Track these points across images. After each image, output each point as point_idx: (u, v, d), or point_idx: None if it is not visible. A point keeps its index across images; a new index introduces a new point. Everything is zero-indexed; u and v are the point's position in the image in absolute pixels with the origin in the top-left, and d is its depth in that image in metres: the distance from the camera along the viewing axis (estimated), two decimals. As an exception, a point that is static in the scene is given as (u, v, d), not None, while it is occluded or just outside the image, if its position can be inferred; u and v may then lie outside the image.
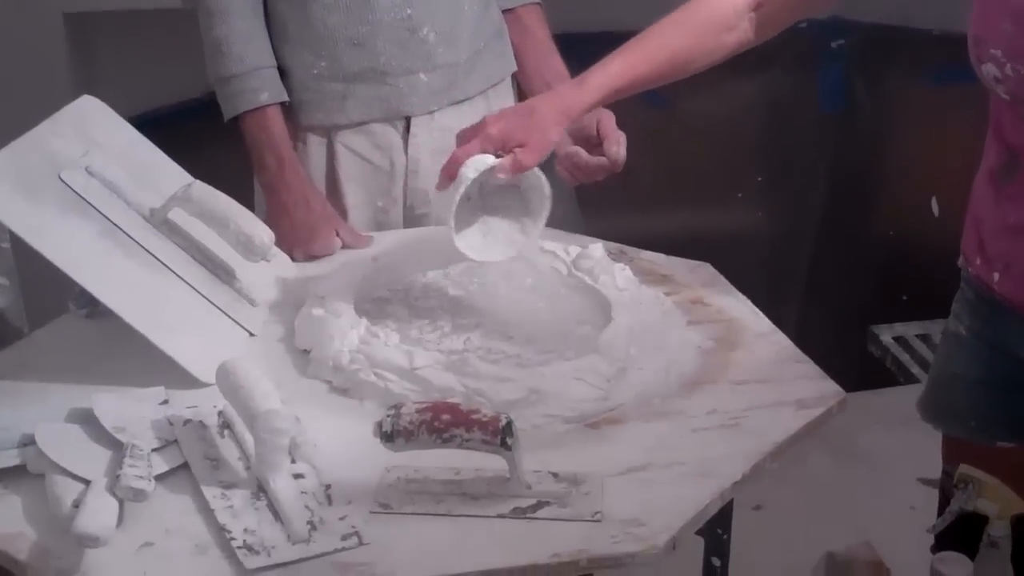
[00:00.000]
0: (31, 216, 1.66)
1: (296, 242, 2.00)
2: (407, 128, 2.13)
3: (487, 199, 1.73)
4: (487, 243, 1.73)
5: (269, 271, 1.86)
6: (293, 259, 1.96)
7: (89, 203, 1.73)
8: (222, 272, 1.79)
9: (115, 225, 1.73)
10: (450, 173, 1.68)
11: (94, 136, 1.81)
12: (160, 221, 1.77)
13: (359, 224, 2.14)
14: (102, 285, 1.66)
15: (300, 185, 2.04)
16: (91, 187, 1.75)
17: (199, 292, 1.75)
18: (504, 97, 2.25)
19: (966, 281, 1.81)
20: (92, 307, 1.76)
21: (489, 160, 1.67)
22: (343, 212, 2.13)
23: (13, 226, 1.65)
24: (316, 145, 2.13)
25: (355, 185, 2.14)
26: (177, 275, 1.75)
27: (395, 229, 2.15)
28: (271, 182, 2.04)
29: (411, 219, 2.18)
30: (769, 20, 1.77)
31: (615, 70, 1.74)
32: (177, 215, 1.77)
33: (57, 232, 1.67)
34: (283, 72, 2.08)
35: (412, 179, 2.15)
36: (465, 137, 1.72)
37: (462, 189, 1.65)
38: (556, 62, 2.22)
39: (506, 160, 1.67)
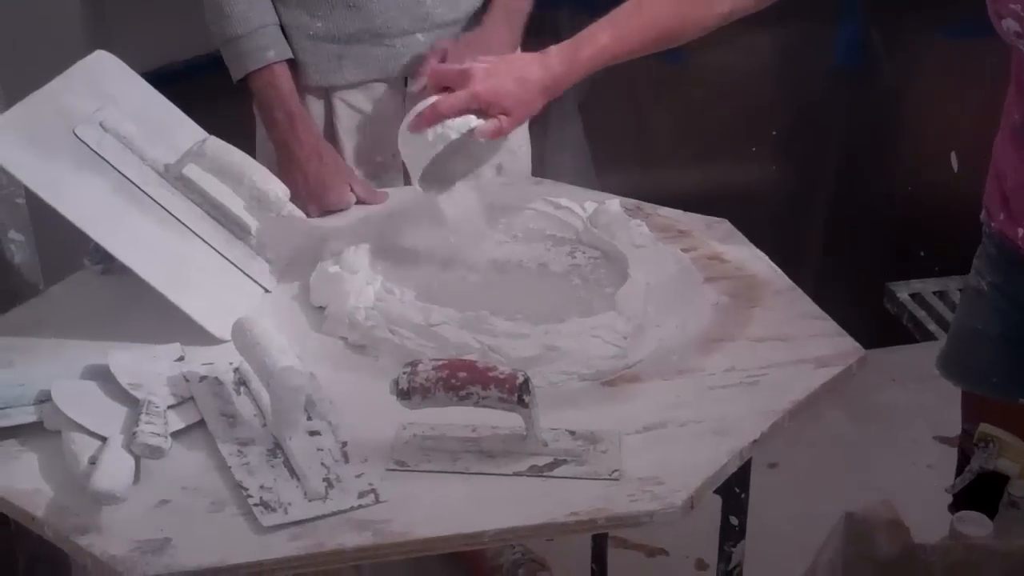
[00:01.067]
0: (46, 172, 1.66)
1: (310, 197, 1.99)
2: (405, 85, 2.13)
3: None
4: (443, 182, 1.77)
5: (284, 227, 1.85)
6: (308, 215, 1.95)
7: (103, 159, 1.72)
8: (237, 228, 1.79)
9: (129, 181, 1.73)
10: (430, 121, 1.68)
11: (108, 91, 1.81)
12: (174, 177, 1.77)
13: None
14: (117, 241, 1.66)
15: (312, 140, 2.03)
16: (105, 142, 1.74)
17: (214, 248, 1.74)
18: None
19: (988, 236, 1.80)
20: (107, 263, 1.76)
21: (472, 122, 1.69)
22: None
23: (28, 182, 1.64)
24: (314, 103, 2.13)
25: (353, 140, 2.14)
26: (192, 231, 1.74)
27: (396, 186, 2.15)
28: (283, 138, 2.03)
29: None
30: None
31: (604, 43, 1.73)
32: (191, 171, 1.76)
33: (72, 188, 1.66)
34: (285, 33, 2.07)
35: None
36: (445, 77, 1.73)
37: (440, 147, 1.68)
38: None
39: (488, 125, 1.69)
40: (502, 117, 1.70)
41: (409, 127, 1.72)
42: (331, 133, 2.14)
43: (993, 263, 1.79)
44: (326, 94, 2.12)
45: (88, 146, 1.72)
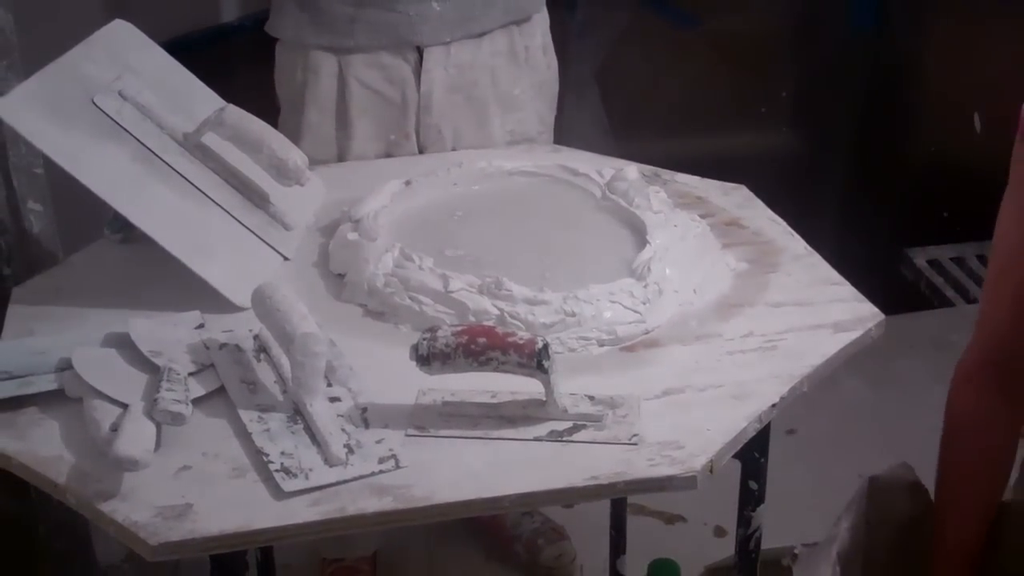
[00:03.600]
0: (65, 141, 1.66)
1: None
2: (420, 61, 2.11)
3: None
4: None
5: (302, 195, 1.85)
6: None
7: (123, 127, 1.72)
8: (256, 196, 1.79)
9: (148, 149, 1.73)
10: None
11: (127, 60, 1.81)
12: (193, 145, 1.77)
13: (371, 157, 2.14)
14: (137, 210, 1.66)
15: None
16: (124, 111, 1.74)
17: (233, 216, 1.75)
18: (531, 36, 2.22)
19: None
20: (127, 232, 1.76)
21: None
22: (352, 142, 2.14)
23: (48, 151, 1.64)
24: (327, 76, 2.13)
25: (366, 118, 2.13)
26: (211, 199, 1.74)
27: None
28: None
29: None
30: None
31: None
32: (210, 139, 1.77)
33: (92, 157, 1.67)
34: None
35: (424, 115, 2.14)
36: None
37: None
38: None
39: None
40: None
41: None
42: (343, 111, 2.14)
43: None
44: (339, 63, 2.11)
45: (107, 115, 1.72)
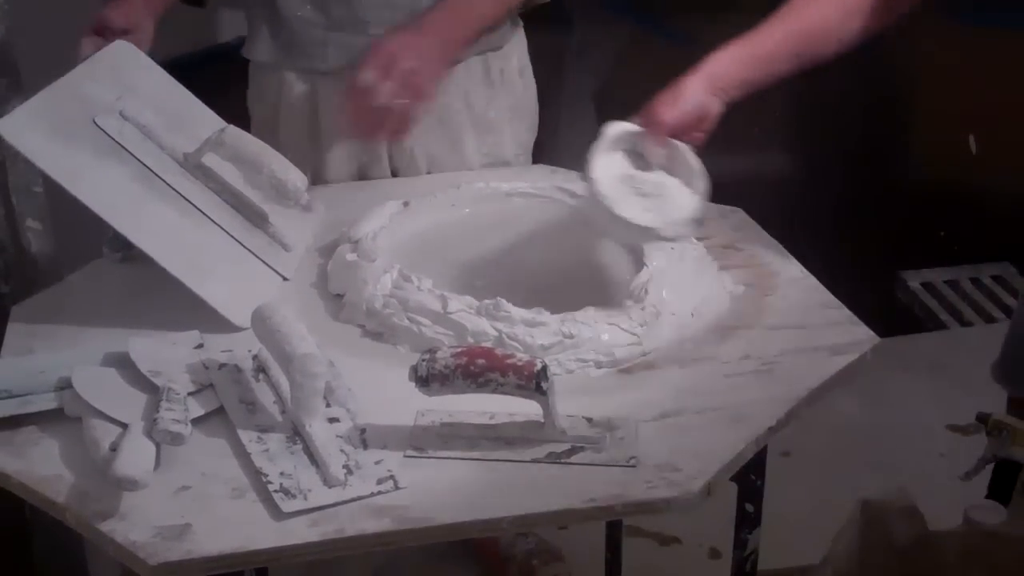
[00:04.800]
0: (67, 160, 1.66)
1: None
2: None
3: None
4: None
5: (302, 216, 1.86)
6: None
7: (123, 147, 1.73)
8: (255, 216, 1.79)
9: (149, 169, 1.73)
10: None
11: (128, 81, 1.82)
12: (194, 165, 1.77)
13: (344, 178, 2.14)
14: (137, 230, 1.67)
15: None
16: (125, 131, 1.75)
17: (233, 237, 1.75)
18: (507, 59, 2.20)
19: None
20: (126, 251, 1.77)
21: (632, 126, 1.69)
22: (325, 164, 2.14)
23: (49, 170, 1.65)
24: (300, 98, 2.13)
25: (338, 139, 2.13)
26: (211, 220, 1.74)
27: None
28: None
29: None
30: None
31: (746, 35, 1.72)
32: (210, 159, 1.77)
33: (92, 177, 1.67)
34: (275, 14, 2.08)
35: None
36: None
37: (602, 144, 1.67)
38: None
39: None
40: (654, 105, 1.69)
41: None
42: (316, 133, 2.14)
43: None
44: (311, 82, 2.11)
45: (108, 135, 1.72)
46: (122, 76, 1.82)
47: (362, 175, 2.17)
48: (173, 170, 1.76)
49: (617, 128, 1.70)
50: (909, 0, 1.73)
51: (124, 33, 1.91)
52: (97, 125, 1.72)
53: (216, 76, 2.23)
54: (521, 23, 2.23)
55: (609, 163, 1.69)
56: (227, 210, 1.78)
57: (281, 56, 2.10)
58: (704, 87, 1.70)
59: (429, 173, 2.18)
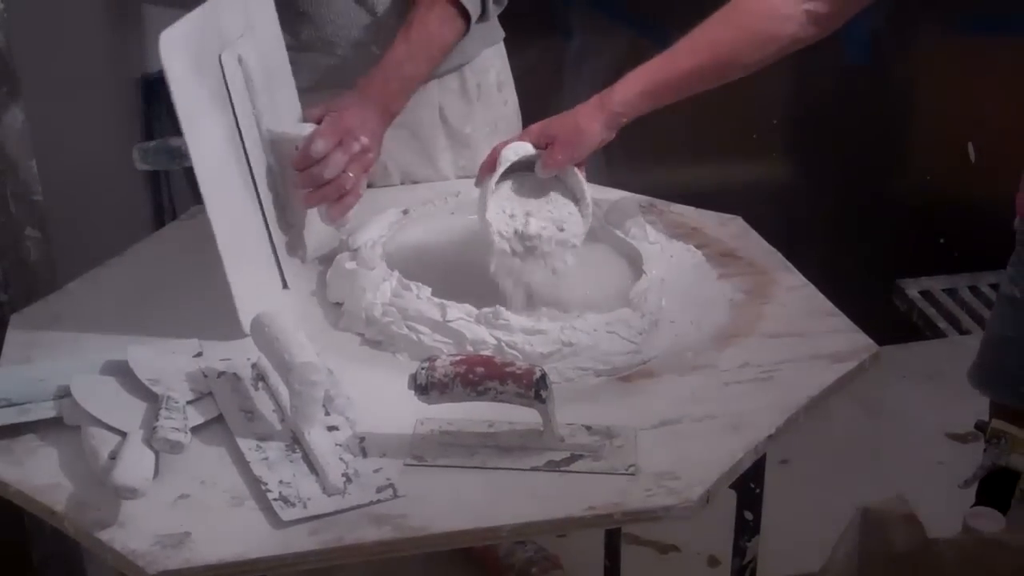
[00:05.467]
0: (193, 98, 1.60)
1: None
2: None
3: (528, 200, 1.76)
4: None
5: (328, 234, 1.84)
6: None
7: (230, 97, 1.68)
8: (290, 215, 1.79)
9: (238, 131, 1.70)
10: (489, 165, 1.71)
11: (252, 19, 1.77)
12: (268, 140, 1.76)
13: None
14: (217, 199, 1.62)
15: None
16: (236, 79, 1.70)
17: (267, 228, 1.74)
18: (484, 73, 2.19)
19: (1022, 243, 1.79)
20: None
21: (528, 148, 1.72)
22: None
23: (179, 103, 1.56)
24: None
25: None
26: (260, 204, 1.72)
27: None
28: None
29: None
30: (831, 8, 1.71)
31: (653, 66, 1.73)
32: (282, 143, 1.76)
33: (204, 126, 1.62)
34: None
35: None
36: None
37: (500, 171, 1.70)
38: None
39: (544, 154, 1.71)
40: (552, 147, 1.71)
41: (475, 184, 1.76)
42: None
43: None
44: None
45: (224, 79, 1.67)
46: (249, 11, 1.77)
47: None
48: (253, 137, 1.73)
49: (512, 151, 1.72)
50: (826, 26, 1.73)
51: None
52: (220, 63, 1.67)
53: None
54: (501, 37, 2.22)
55: (500, 198, 1.74)
56: (271, 201, 1.76)
57: None
58: (606, 126, 1.73)
59: (402, 184, 2.17)
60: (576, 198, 1.76)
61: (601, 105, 1.72)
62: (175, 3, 2.04)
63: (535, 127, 1.74)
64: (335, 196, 1.73)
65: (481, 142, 2.18)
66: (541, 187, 1.76)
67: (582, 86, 2.93)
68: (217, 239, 1.61)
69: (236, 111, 1.70)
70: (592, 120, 1.71)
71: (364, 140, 1.74)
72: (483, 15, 1.99)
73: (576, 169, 1.75)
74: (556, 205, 1.75)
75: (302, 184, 1.72)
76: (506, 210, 1.73)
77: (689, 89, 1.74)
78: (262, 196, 1.74)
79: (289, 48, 1.98)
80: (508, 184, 1.75)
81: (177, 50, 1.57)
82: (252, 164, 1.72)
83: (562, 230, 1.71)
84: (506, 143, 1.74)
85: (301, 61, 1.99)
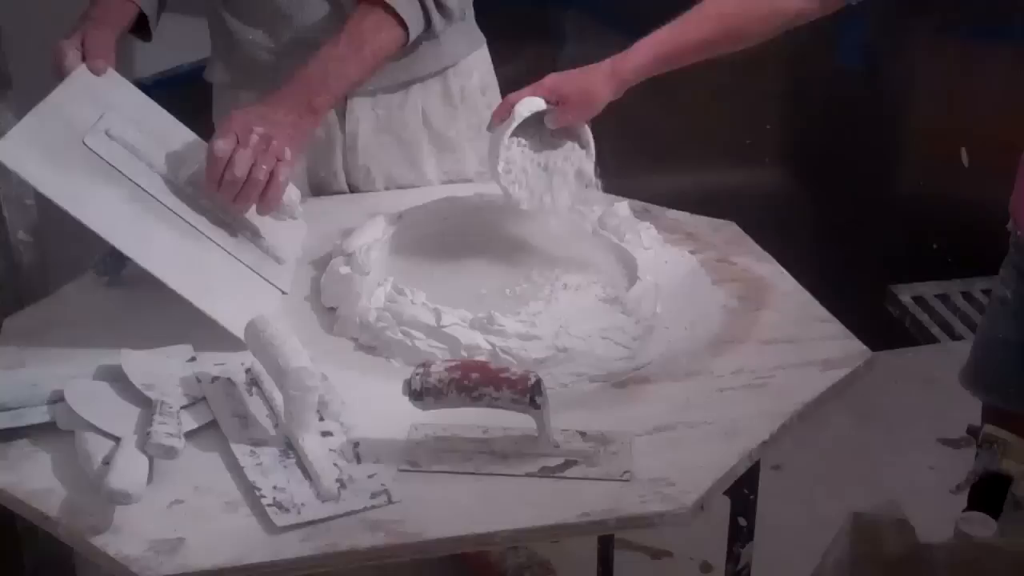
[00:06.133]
0: (65, 183, 1.63)
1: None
2: (346, 101, 2.09)
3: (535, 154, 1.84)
4: (531, 194, 1.82)
5: (288, 228, 1.85)
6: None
7: (115, 168, 1.71)
8: (247, 232, 1.79)
9: (142, 189, 1.72)
10: (501, 114, 1.78)
11: (106, 100, 1.79)
12: (183, 183, 1.76)
13: (303, 191, 2.11)
14: (144, 252, 1.64)
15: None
16: (115, 151, 1.73)
17: (230, 254, 1.74)
18: (467, 77, 2.18)
19: (1015, 246, 1.80)
20: (114, 274, 1.76)
21: (541, 103, 1.78)
22: None
23: (50, 194, 1.61)
24: None
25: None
26: (207, 237, 1.74)
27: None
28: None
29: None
30: None
31: (663, 36, 1.78)
32: (199, 176, 1.76)
33: (91, 199, 1.65)
34: (231, 40, 2.07)
35: (351, 155, 2.13)
36: (520, 94, 1.81)
37: (514, 125, 1.76)
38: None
39: (554, 111, 1.77)
40: (562, 104, 1.78)
41: (487, 128, 1.83)
42: None
43: (1020, 272, 1.79)
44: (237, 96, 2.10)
45: (100, 156, 1.71)
46: (100, 95, 1.80)
47: (320, 191, 2.15)
48: (164, 189, 1.74)
49: (526, 107, 1.78)
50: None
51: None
52: (87, 146, 1.70)
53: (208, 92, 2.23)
54: (483, 42, 2.22)
55: (512, 150, 1.82)
56: (221, 227, 1.76)
57: (238, 79, 2.10)
58: (614, 89, 1.79)
59: (387, 189, 2.17)
60: (582, 144, 1.85)
61: (613, 72, 1.78)
62: (168, 8, 2.05)
63: (548, 82, 1.80)
64: (256, 193, 1.72)
65: (465, 146, 2.19)
66: (546, 135, 1.84)
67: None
68: (171, 286, 1.63)
69: (132, 176, 1.72)
70: (603, 86, 1.78)
71: (259, 130, 1.72)
72: (429, 29, 1.98)
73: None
74: (565, 152, 1.85)
75: (224, 196, 1.72)
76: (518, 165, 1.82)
77: (696, 58, 1.81)
78: (205, 230, 1.75)
79: (272, 52, 2.03)
80: (516, 141, 1.82)
81: (20, 155, 1.63)
82: (178, 210, 1.73)
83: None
84: (519, 93, 1.80)
85: (283, 66, 1.97)
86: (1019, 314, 1.80)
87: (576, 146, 1.85)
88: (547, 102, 1.78)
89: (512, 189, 1.81)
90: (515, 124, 1.77)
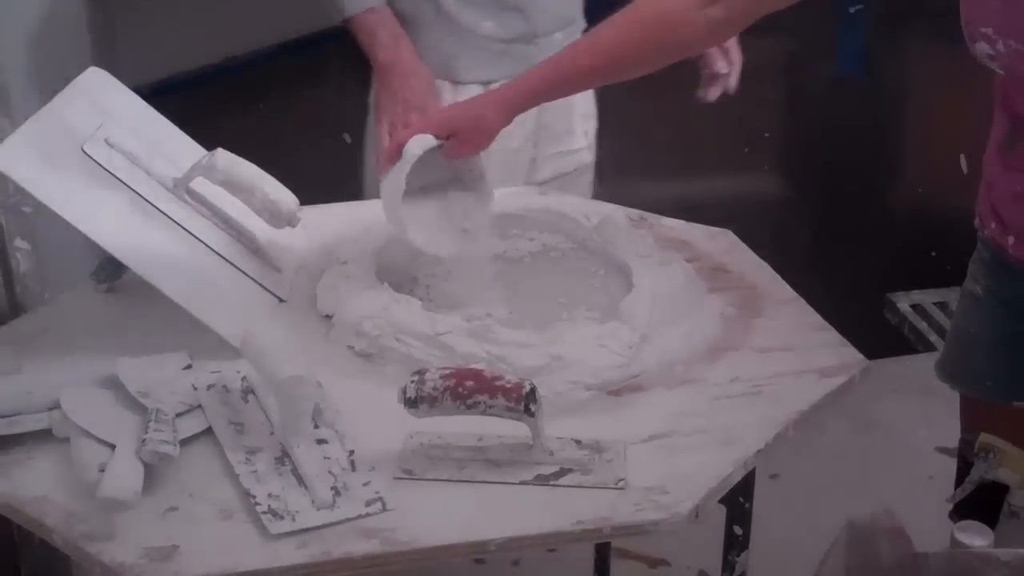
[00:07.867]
0: (63, 191, 1.64)
1: (409, 107, 2.12)
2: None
3: (430, 194, 1.79)
4: (434, 235, 1.76)
5: (286, 236, 1.85)
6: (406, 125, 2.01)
7: (114, 175, 1.71)
8: (247, 239, 1.79)
9: (141, 197, 1.72)
10: (391, 154, 1.73)
11: (106, 107, 1.80)
12: (182, 191, 1.77)
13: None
14: (141, 261, 1.65)
15: (412, 57, 2.19)
16: (114, 159, 1.73)
17: (228, 261, 1.74)
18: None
19: (982, 242, 1.81)
20: (111, 281, 1.77)
21: (432, 140, 1.71)
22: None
23: (48, 202, 1.62)
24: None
25: None
26: (206, 245, 1.74)
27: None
28: (387, 57, 2.18)
29: None
30: (728, 15, 1.70)
31: (555, 61, 1.77)
32: (199, 184, 1.76)
33: (89, 207, 1.65)
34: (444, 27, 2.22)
35: None
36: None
37: (408, 167, 1.68)
38: None
39: (447, 144, 1.73)
40: (454, 138, 1.73)
41: (378, 172, 1.78)
42: None
43: (987, 268, 1.80)
44: (454, 93, 2.22)
45: (98, 163, 1.71)
46: (100, 103, 1.80)
47: None
48: (163, 196, 1.75)
49: (418, 145, 1.71)
50: (754, 10, 1.74)
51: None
52: (86, 154, 1.70)
53: (205, 96, 2.23)
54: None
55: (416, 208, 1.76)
56: (220, 234, 1.77)
57: (445, 70, 2.23)
58: (504, 117, 1.75)
59: None
60: (478, 174, 1.80)
61: (503, 99, 1.76)
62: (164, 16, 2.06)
63: (435, 118, 1.80)
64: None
65: None
66: (443, 171, 1.78)
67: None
68: (168, 294, 1.64)
69: (131, 184, 1.72)
70: (494, 113, 1.75)
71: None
72: None
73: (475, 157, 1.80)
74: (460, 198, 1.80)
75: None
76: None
77: (587, 85, 1.85)
78: (204, 237, 1.75)
79: (502, 41, 2.25)
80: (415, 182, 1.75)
81: (19, 161, 1.63)
82: (176, 218, 1.74)
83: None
84: (407, 132, 1.75)
85: (509, 52, 2.23)
86: (988, 308, 1.81)
87: (474, 175, 1.80)
88: (437, 137, 1.72)
89: (413, 235, 1.74)
90: (409, 166, 1.69)
